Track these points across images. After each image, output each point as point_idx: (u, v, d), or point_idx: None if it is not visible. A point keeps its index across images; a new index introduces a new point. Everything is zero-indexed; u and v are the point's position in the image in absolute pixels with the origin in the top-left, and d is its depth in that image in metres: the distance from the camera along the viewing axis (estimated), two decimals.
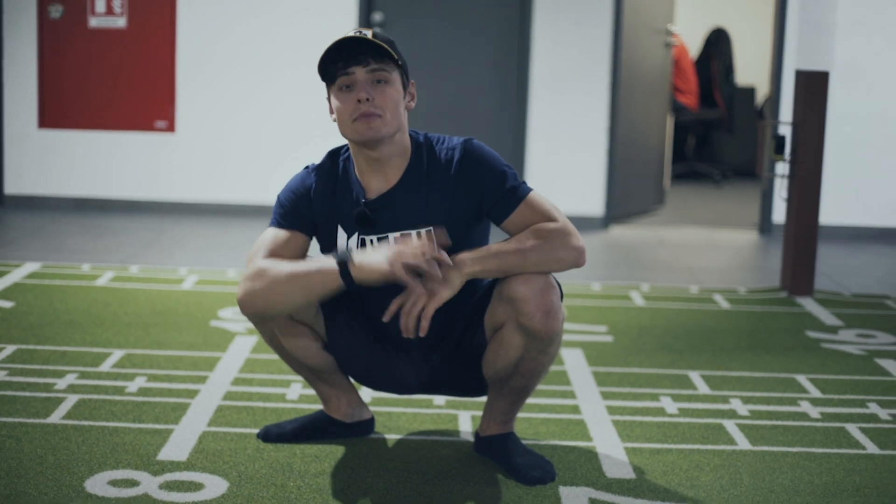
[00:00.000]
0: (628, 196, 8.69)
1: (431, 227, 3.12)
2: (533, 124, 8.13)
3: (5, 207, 8.08)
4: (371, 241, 3.13)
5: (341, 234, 3.17)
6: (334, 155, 3.25)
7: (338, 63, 3.06)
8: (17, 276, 5.75)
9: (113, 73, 8.07)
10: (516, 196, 3.12)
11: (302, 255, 3.17)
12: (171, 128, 8.12)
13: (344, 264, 2.93)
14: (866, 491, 3.29)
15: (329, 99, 3.14)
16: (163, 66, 8.09)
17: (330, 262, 2.96)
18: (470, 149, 3.15)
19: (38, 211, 7.99)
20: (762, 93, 11.69)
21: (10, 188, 8.15)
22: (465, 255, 3.01)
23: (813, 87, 5.90)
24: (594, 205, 8.19)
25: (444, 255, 2.96)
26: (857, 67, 8.00)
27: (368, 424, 3.57)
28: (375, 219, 3.13)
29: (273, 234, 3.17)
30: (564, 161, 8.15)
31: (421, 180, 3.14)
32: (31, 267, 5.97)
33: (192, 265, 6.27)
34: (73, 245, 6.78)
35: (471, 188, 3.13)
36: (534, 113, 8.12)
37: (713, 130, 11.38)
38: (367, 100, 3.03)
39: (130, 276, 5.89)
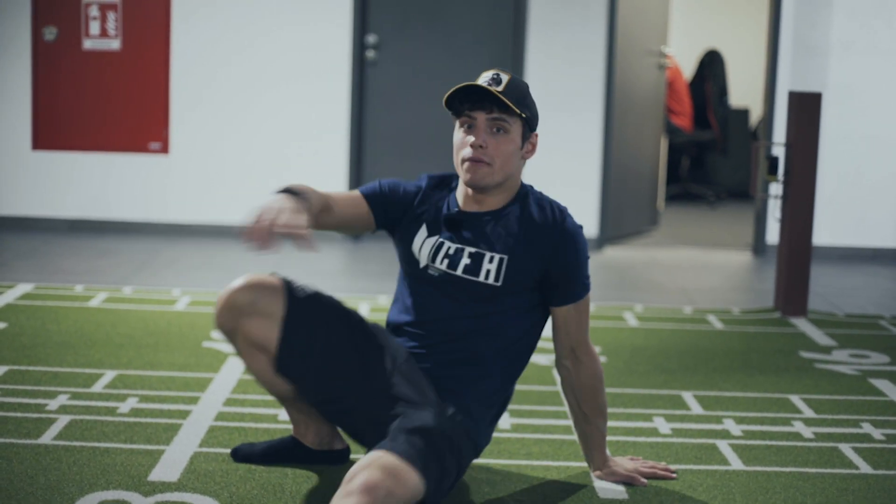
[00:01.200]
0: (622, 217, 8.69)
1: (504, 257, 3.20)
2: None
3: None
4: (448, 248, 3.22)
5: (422, 231, 3.27)
6: (446, 176, 3.40)
7: (464, 103, 3.15)
8: (9, 297, 5.73)
9: (107, 95, 8.08)
10: (582, 290, 3.27)
11: (355, 219, 3.29)
12: (164, 149, 8.12)
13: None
14: None
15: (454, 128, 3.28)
16: (157, 88, 8.09)
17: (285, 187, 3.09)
18: (576, 227, 3.27)
19: (31, 232, 7.98)
20: (756, 114, 11.71)
21: (4, 209, 8.14)
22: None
23: (806, 108, 5.91)
24: (588, 225, 8.19)
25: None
26: (850, 89, 8.02)
27: (340, 455, 3.50)
28: (462, 227, 3.23)
29: (346, 194, 3.31)
30: (558, 182, 8.15)
31: (516, 221, 3.23)
32: (23, 288, 5.96)
33: (186, 286, 6.26)
34: (66, 266, 6.77)
35: (559, 258, 3.21)
36: None
37: (707, 152, 11.39)
38: (481, 146, 3.13)
39: (123, 297, 5.88)
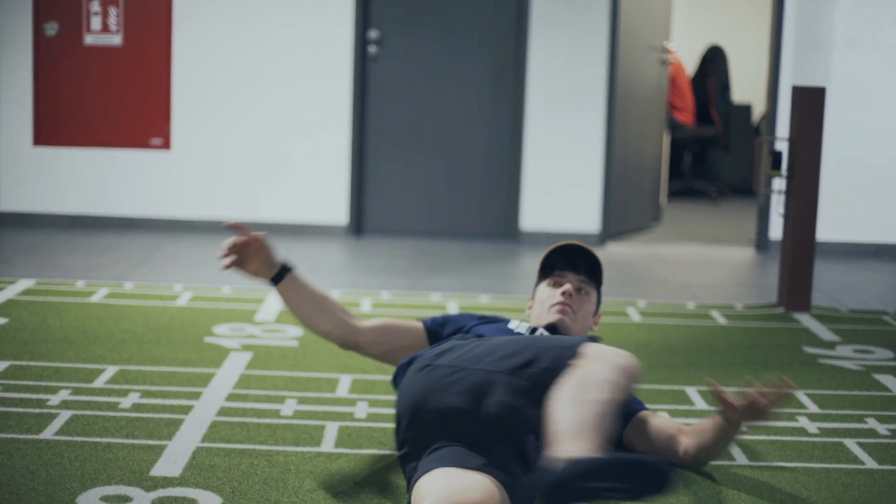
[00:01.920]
0: (625, 213, 8.68)
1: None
2: (529, 142, 8.12)
3: (0, 225, 8.06)
4: (537, 328, 3.52)
5: (514, 322, 3.57)
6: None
7: (560, 263, 3.66)
8: (10, 292, 5.72)
9: (108, 91, 8.06)
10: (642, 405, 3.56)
11: (406, 347, 3.61)
12: (166, 145, 8.11)
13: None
14: None
15: (535, 288, 3.72)
16: (158, 84, 8.08)
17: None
18: None
19: (32, 228, 7.97)
20: (758, 110, 11.69)
21: (5, 205, 8.13)
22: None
23: (810, 102, 5.89)
24: (591, 221, 8.17)
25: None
26: (854, 84, 8.00)
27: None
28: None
29: (404, 323, 3.68)
30: (561, 178, 8.14)
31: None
32: (25, 283, 5.94)
33: (187, 282, 6.25)
34: (67, 262, 6.76)
35: None
36: (530, 130, 8.11)
37: (709, 148, 11.37)
38: (571, 295, 3.60)
39: (125, 292, 5.86)
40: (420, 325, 3.66)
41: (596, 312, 3.72)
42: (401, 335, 3.63)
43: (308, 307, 3.55)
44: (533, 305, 3.70)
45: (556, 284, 3.66)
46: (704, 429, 3.36)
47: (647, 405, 4.16)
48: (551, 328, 3.56)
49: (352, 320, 3.60)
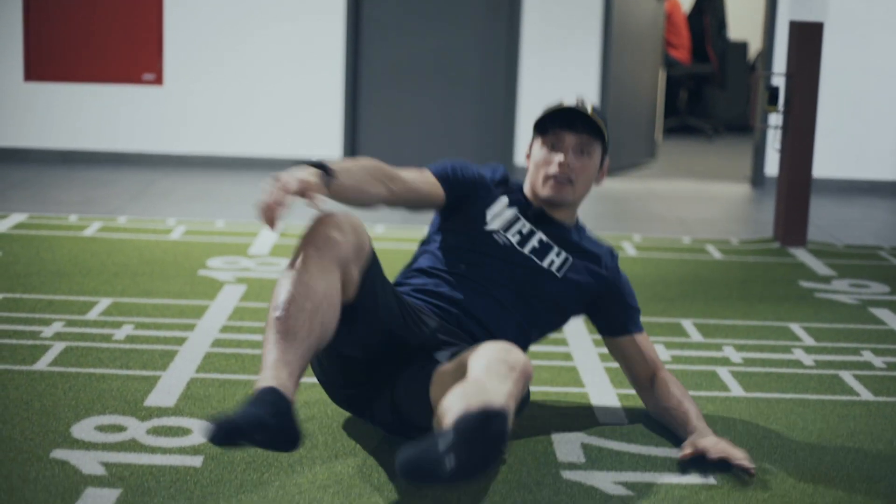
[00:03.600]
0: (620, 149, 8.64)
1: (569, 257, 3.27)
2: (524, 79, 8.07)
3: None
4: (524, 226, 3.27)
5: (503, 200, 3.31)
6: (510, 179, 3.43)
7: (555, 122, 3.24)
8: (3, 226, 5.69)
9: (100, 26, 7.99)
10: (638, 326, 3.33)
11: (424, 195, 3.24)
12: (158, 80, 8.05)
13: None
14: (860, 437, 3.27)
15: (532, 143, 3.32)
16: (150, 19, 8.00)
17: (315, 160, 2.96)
18: (623, 272, 3.38)
19: (24, 164, 7.92)
20: (754, 47, 11.62)
21: None
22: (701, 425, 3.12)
23: (807, 37, 5.85)
24: None
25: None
26: (852, 19, 7.94)
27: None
28: (543, 218, 3.29)
29: (417, 171, 3.29)
30: None
31: (575, 242, 3.30)
32: (17, 218, 5.91)
33: (181, 216, 6.22)
34: (60, 197, 6.72)
35: (612, 287, 3.31)
36: (525, 67, 8.06)
37: (705, 85, 11.32)
38: (568, 165, 3.22)
39: (118, 226, 5.83)
40: (435, 181, 3.29)
41: (601, 168, 3.33)
42: (421, 195, 3.25)
43: (358, 198, 3.08)
44: (529, 164, 3.34)
45: (552, 147, 3.26)
46: (675, 411, 3.19)
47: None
48: (549, 202, 3.27)
49: (391, 185, 3.14)
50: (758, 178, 8.16)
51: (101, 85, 8.05)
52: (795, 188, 5.93)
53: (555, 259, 3.25)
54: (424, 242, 3.38)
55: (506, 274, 3.21)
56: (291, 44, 8.01)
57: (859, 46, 7.96)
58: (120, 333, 3.99)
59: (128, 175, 7.58)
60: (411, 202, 3.23)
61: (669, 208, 7.15)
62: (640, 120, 8.96)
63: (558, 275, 3.24)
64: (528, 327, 3.25)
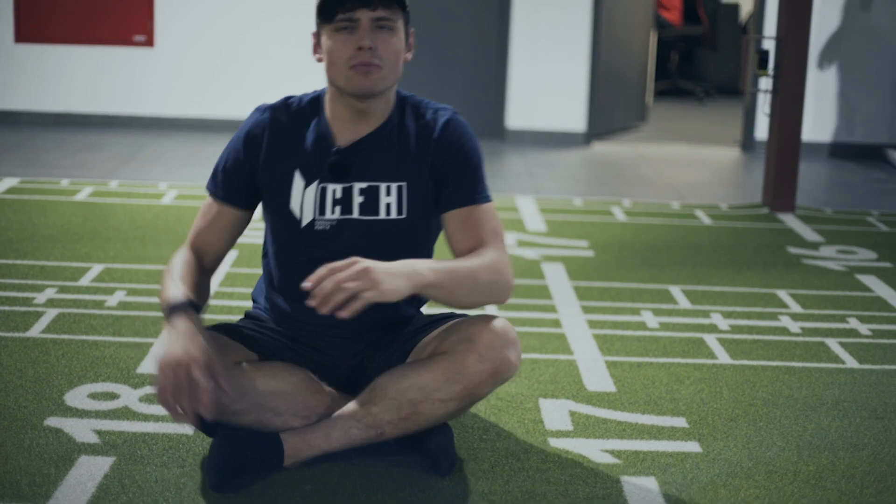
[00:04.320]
0: (610, 112, 8.65)
1: (402, 184, 2.81)
2: (515, 40, 8.06)
3: None
4: (334, 190, 2.80)
5: (298, 182, 2.81)
6: (293, 98, 2.93)
7: (343, 4, 2.70)
8: None
9: None
10: (477, 193, 2.82)
11: (235, 231, 2.88)
12: (149, 42, 8.03)
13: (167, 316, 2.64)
14: (845, 404, 3.31)
15: (318, 36, 2.80)
16: None
17: (164, 303, 2.67)
18: (456, 118, 2.86)
19: (15, 126, 7.91)
20: (746, 9, 11.61)
21: None
22: (422, 263, 2.63)
23: (798, 1, 5.85)
24: (576, 121, 8.14)
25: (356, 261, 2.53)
26: None
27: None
28: (349, 168, 2.81)
29: (204, 210, 2.88)
30: (546, 77, 8.09)
31: (399, 135, 2.83)
32: (9, 182, 5.92)
33: (172, 180, 6.23)
34: (51, 160, 6.73)
35: (447, 156, 2.81)
36: (516, 28, 8.05)
37: (697, 47, 11.32)
38: (370, 48, 2.70)
39: (110, 191, 5.85)
40: (224, 209, 2.86)
41: (407, 43, 2.81)
42: (232, 235, 2.90)
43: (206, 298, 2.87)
44: (323, 59, 2.79)
45: (347, 31, 2.72)
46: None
47: (624, 302, 4.20)
48: (359, 95, 2.75)
49: (209, 264, 2.90)
50: (748, 142, 8.18)
51: (92, 47, 8.04)
52: (784, 154, 5.95)
53: (389, 201, 2.82)
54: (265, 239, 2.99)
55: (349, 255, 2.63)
56: (284, 4, 7.99)
57: (849, 9, 7.96)
58: (112, 300, 4.02)
59: (119, 138, 7.58)
60: (233, 242, 2.91)
61: (659, 173, 7.18)
62: (631, 83, 8.97)
63: (402, 216, 2.81)
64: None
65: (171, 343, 2.55)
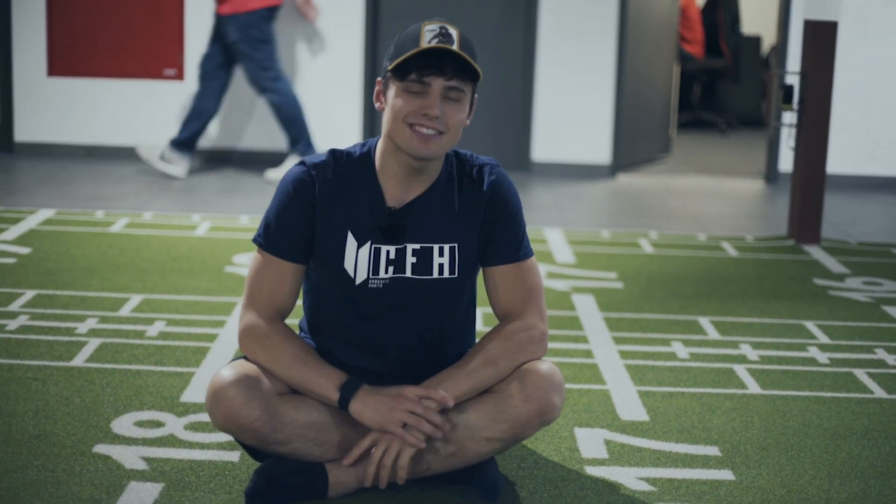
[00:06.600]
0: (635, 144, 8.73)
1: (454, 245, 2.87)
2: (541, 73, 8.15)
3: (16, 155, 8.11)
4: (388, 252, 2.83)
5: (351, 241, 2.82)
6: (340, 153, 2.89)
7: (419, 66, 2.72)
8: (31, 222, 5.80)
9: (122, 21, 8.08)
10: (521, 251, 2.90)
11: (300, 282, 2.90)
12: (179, 76, 8.14)
13: (345, 403, 2.74)
14: (874, 434, 3.36)
15: (385, 85, 2.80)
16: (172, 14, 8.10)
17: (331, 389, 2.74)
18: (500, 175, 2.91)
19: (49, 158, 8.02)
20: (768, 42, 11.69)
21: (21, 136, 8.18)
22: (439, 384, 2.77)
23: (821, 36, 5.93)
24: (601, 153, 8.22)
25: (438, 420, 2.71)
26: (866, 17, 8.01)
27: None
28: (402, 230, 2.83)
29: (261, 268, 2.87)
30: (572, 109, 8.18)
31: (451, 193, 2.88)
32: (45, 213, 6.02)
33: (205, 212, 6.32)
34: (85, 192, 6.82)
35: (493, 215, 2.87)
36: (542, 62, 8.14)
37: (719, 79, 11.39)
38: (437, 118, 2.72)
39: (144, 222, 5.94)
40: (288, 266, 2.87)
41: (471, 109, 2.81)
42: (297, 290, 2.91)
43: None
44: (385, 108, 2.79)
45: (416, 94, 2.73)
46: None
47: (654, 333, 4.26)
48: (415, 158, 2.77)
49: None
50: (772, 174, 8.24)
51: (123, 80, 8.15)
52: (809, 186, 6.01)
53: (442, 261, 2.87)
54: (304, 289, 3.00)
55: (402, 318, 2.87)
56: (312, 36, 8.10)
57: (874, 44, 8.03)
58: (152, 330, 4.10)
59: (151, 170, 7.67)
60: (299, 291, 2.92)
61: (684, 204, 7.24)
62: (655, 115, 9.04)
63: (454, 275, 2.87)
64: (459, 324, 2.98)
65: (379, 414, 2.72)
